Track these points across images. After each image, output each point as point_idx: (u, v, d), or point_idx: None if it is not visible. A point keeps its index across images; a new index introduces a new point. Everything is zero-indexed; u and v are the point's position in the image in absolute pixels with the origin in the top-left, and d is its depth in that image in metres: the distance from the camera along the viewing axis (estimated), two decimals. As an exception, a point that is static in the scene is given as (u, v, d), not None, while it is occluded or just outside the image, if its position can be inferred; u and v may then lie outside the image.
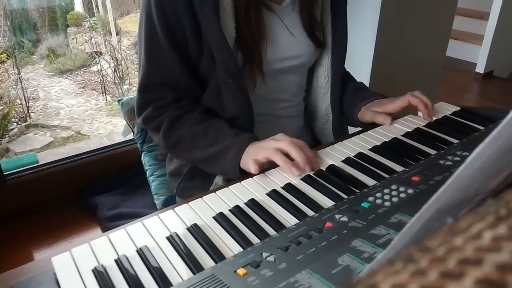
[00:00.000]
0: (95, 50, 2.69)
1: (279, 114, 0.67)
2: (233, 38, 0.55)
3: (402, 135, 0.58)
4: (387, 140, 0.57)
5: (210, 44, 0.54)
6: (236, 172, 0.53)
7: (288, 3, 0.61)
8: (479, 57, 2.33)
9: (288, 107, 0.68)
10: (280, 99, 0.67)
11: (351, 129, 0.70)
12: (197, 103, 0.61)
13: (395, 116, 0.63)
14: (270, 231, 0.40)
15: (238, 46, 0.56)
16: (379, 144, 0.56)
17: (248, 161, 0.50)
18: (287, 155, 0.49)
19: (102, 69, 2.57)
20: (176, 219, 0.42)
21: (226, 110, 0.59)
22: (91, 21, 2.68)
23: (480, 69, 2.33)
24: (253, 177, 0.49)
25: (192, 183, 0.65)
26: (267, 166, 0.51)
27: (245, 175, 0.52)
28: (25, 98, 2.30)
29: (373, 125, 0.62)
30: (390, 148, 0.55)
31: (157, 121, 0.59)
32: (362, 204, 0.42)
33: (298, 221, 0.41)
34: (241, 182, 0.48)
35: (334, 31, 0.64)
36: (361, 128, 0.65)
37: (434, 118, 0.62)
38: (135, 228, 0.41)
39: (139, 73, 0.60)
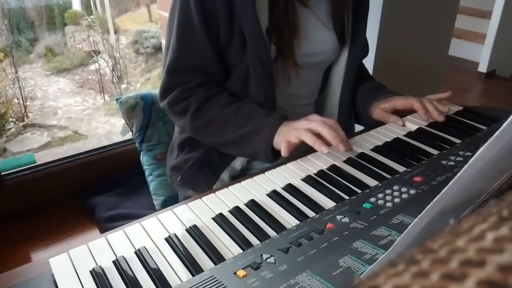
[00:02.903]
0: (93, 49, 2.68)
1: (296, 111, 0.68)
2: (265, 28, 0.56)
3: (404, 135, 0.58)
4: (389, 140, 0.56)
5: (244, 31, 0.55)
6: (268, 153, 0.53)
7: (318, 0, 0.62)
8: (481, 56, 2.31)
9: (305, 105, 0.69)
10: (301, 96, 0.67)
11: (356, 128, 0.70)
12: (223, 87, 0.61)
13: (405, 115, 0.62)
14: (270, 232, 0.39)
15: (270, 38, 0.57)
16: (381, 144, 0.55)
17: (281, 143, 0.51)
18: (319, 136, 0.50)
19: (100, 68, 2.56)
20: (175, 220, 0.42)
21: (250, 97, 0.59)
22: (89, 20, 2.67)
23: (482, 68, 2.33)
24: (253, 178, 0.49)
25: (199, 174, 0.64)
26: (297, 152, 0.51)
27: (277, 157, 0.53)
28: (22, 98, 2.29)
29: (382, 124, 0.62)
30: (392, 148, 0.54)
31: (184, 103, 0.59)
32: (363, 205, 0.42)
33: (298, 222, 0.40)
34: (241, 182, 0.48)
35: (354, 31, 0.65)
36: (364, 128, 0.64)
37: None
38: (133, 229, 0.41)
39: (166, 55, 0.60)
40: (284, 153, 0.50)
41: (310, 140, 0.49)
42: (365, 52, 0.72)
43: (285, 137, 0.52)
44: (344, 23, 0.64)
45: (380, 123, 0.63)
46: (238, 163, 0.63)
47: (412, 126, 0.60)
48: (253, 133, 0.54)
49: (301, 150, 0.53)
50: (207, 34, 0.56)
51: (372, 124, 0.65)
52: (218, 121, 0.58)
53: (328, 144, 0.50)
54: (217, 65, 0.59)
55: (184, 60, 0.59)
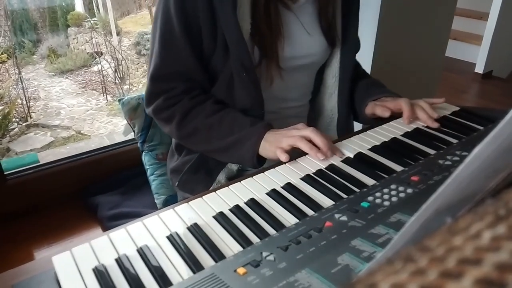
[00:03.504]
0: (96, 50, 2.70)
1: (286, 113, 0.68)
2: (248, 34, 0.56)
3: (402, 135, 0.58)
4: (386, 140, 0.57)
5: (226, 38, 0.55)
6: (254, 160, 0.54)
7: (305, 1, 0.62)
8: (478, 58, 2.32)
9: (295, 107, 0.69)
10: (289, 98, 0.67)
11: (355, 128, 0.70)
12: (208, 94, 0.62)
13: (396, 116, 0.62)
14: (270, 230, 0.40)
15: (254, 42, 0.57)
16: (378, 144, 0.56)
17: (272, 150, 0.52)
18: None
19: (103, 69, 2.58)
20: (176, 219, 0.42)
21: (236, 103, 0.60)
22: (92, 21, 2.68)
23: (479, 69, 2.33)
24: (253, 177, 0.49)
25: (195, 177, 0.65)
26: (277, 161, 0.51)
27: (261, 164, 0.54)
28: (25, 98, 2.30)
29: (381, 120, 0.62)
30: (390, 148, 0.55)
31: (169, 111, 0.59)
32: (361, 204, 0.42)
33: (297, 221, 0.41)
34: (241, 181, 0.48)
35: (344, 32, 0.64)
36: (367, 125, 0.65)
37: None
38: (135, 227, 0.41)
39: (150, 63, 0.61)
40: (285, 159, 0.51)
41: (306, 147, 0.51)
42: (356, 49, 0.71)
43: (276, 144, 0.53)
44: (333, 24, 0.64)
45: (375, 121, 0.63)
46: (234, 164, 0.63)
47: (409, 126, 0.60)
48: (239, 142, 0.55)
49: (297, 153, 0.53)
50: (189, 42, 0.56)
51: (368, 121, 0.66)
52: (203, 130, 0.58)
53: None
54: (201, 72, 0.59)
55: (167, 68, 0.59)
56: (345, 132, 0.68)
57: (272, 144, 0.53)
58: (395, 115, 0.62)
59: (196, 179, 0.65)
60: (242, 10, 0.55)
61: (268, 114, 0.64)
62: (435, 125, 0.58)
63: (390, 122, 0.62)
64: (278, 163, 0.52)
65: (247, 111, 0.59)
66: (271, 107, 0.64)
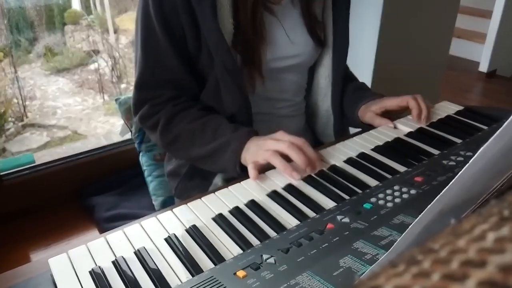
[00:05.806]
0: (93, 48, 2.68)
1: (279, 113, 0.67)
2: (231, 35, 0.55)
3: (405, 135, 0.58)
4: (389, 140, 0.56)
5: (207, 41, 0.54)
6: (236, 169, 0.52)
7: (288, 1, 0.61)
8: (482, 56, 2.31)
9: (288, 107, 0.68)
10: (280, 99, 0.66)
11: (352, 130, 0.70)
12: (195, 101, 0.60)
13: (396, 116, 0.62)
14: (270, 232, 0.39)
15: (236, 46, 0.56)
16: (381, 144, 0.55)
17: (248, 163, 0.49)
18: (287, 157, 0.48)
19: (100, 67, 2.56)
20: (174, 220, 0.42)
21: (224, 107, 0.58)
22: (89, 19, 2.66)
23: (483, 68, 2.32)
24: (253, 177, 0.48)
25: (191, 184, 0.64)
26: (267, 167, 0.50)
27: (245, 172, 0.52)
28: (21, 97, 2.28)
29: (372, 126, 0.62)
30: (393, 148, 0.54)
31: (154, 119, 0.58)
32: (364, 205, 0.42)
33: (298, 223, 0.40)
34: (241, 182, 0.48)
35: (335, 30, 0.63)
36: (361, 129, 0.64)
37: (438, 118, 0.62)
38: (133, 229, 0.41)
39: (135, 70, 0.59)
40: (252, 176, 0.47)
41: (279, 166, 0.47)
42: (348, 48, 0.69)
43: (253, 157, 0.49)
44: (320, 23, 0.63)
45: (369, 126, 0.62)
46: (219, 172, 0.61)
47: (404, 128, 0.60)
48: (220, 150, 0.53)
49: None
50: (172, 44, 0.55)
51: (360, 126, 0.65)
52: (186, 136, 0.56)
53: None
54: (186, 77, 0.58)
55: (151, 74, 0.58)
56: (340, 133, 0.68)
57: (251, 155, 0.50)
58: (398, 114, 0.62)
59: (192, 186, 0.64)
60: (222, 11, 0.53)
61: (261, 116, 0.62)
62: (424, 123, 0.59)
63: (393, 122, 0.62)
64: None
65: (234, 116, 0.58)
66: (263, 108, 0.63)
